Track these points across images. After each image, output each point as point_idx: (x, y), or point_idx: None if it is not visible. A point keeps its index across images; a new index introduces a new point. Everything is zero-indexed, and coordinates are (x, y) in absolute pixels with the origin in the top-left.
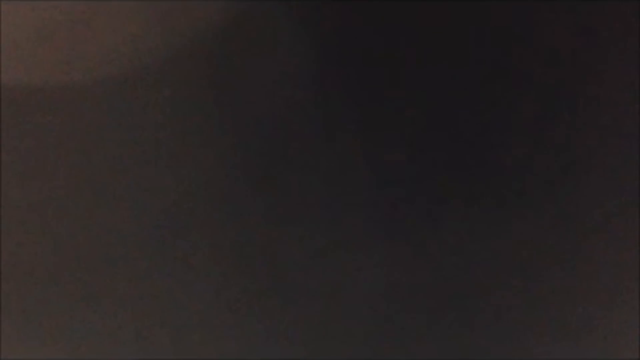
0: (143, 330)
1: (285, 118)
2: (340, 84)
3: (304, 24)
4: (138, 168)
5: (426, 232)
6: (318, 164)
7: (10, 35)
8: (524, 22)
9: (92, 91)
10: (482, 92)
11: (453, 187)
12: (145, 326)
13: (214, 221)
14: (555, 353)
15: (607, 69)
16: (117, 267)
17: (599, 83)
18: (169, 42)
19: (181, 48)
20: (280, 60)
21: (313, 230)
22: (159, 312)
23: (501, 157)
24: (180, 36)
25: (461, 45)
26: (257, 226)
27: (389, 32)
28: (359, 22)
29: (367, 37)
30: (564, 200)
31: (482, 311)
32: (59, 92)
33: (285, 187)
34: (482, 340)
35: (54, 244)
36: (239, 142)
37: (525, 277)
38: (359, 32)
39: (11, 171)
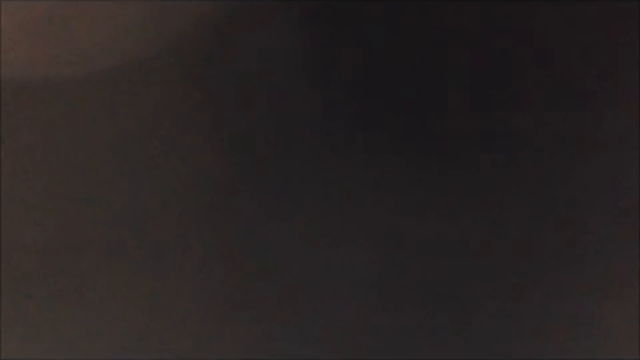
0: (133, 326)
1: (276, 115)
2: (332, 82)
3: (294, 22)
4: (128, 163)
5: (420, 230)
6: (309, 160)
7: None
8: (521, 21)
9: (82, 86)
10: (480, 91)
11: (447, 184)
12: (135, 322)
13: (206, 217)
14: (553, 353)
15: (606, 68)
16: (107, 261)
17: (598, 83)
18: (161, 38)
19: (175, 43)
20: (271, 58)
21: (303, 228)
22: (149, 308)
23: (497, 153)
24: (174, 32)
25: (458, 45)
26: (249, 223)
27: (384, 31)
28: (352, 20)
29: (360, 36)
30: (562, 199)
31: (478, 310)
32: (48, 87)
33: (276, 183)
34: (477, 339)
35: (47, 237)
36: (229, 139)
37: (521, 276)
38: (352, 31)
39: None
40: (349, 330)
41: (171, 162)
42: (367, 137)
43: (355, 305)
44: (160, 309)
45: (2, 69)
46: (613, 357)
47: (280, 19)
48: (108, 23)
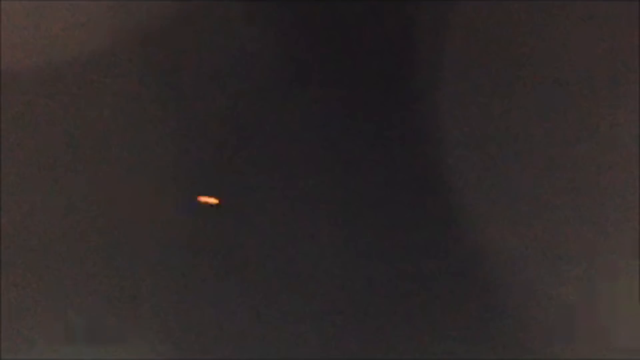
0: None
1: (244, 108)
2: (290, 79)
3: (259, 20)
4: (94, 156)
5: (402, 226)
6: (271, 156)
7: None
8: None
9: (48, 77)
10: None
11: (430, 180)
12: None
13: (180, 215)
14: (552, 352)
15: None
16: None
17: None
18: (129, 31)
19: (143, 36)
20: (236, 54)
21: (277, 226)
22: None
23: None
24: (143, 25)
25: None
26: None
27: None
28: (309, 20)
29: (317, 35)
30: (561, 199)
31: (473, 308)
32: (12, 78)
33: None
34: (474, 338)
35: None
36: (194, 131)
37: (506, 273)
38: (307, 30)
39: None
40: (326, 324)
41: (137, 156)
42: (331, 133)
43: (334, 299)
44: (147, 303)
45: None
46: (614, 357)
47: (245, 17)
48: (76, 15)
